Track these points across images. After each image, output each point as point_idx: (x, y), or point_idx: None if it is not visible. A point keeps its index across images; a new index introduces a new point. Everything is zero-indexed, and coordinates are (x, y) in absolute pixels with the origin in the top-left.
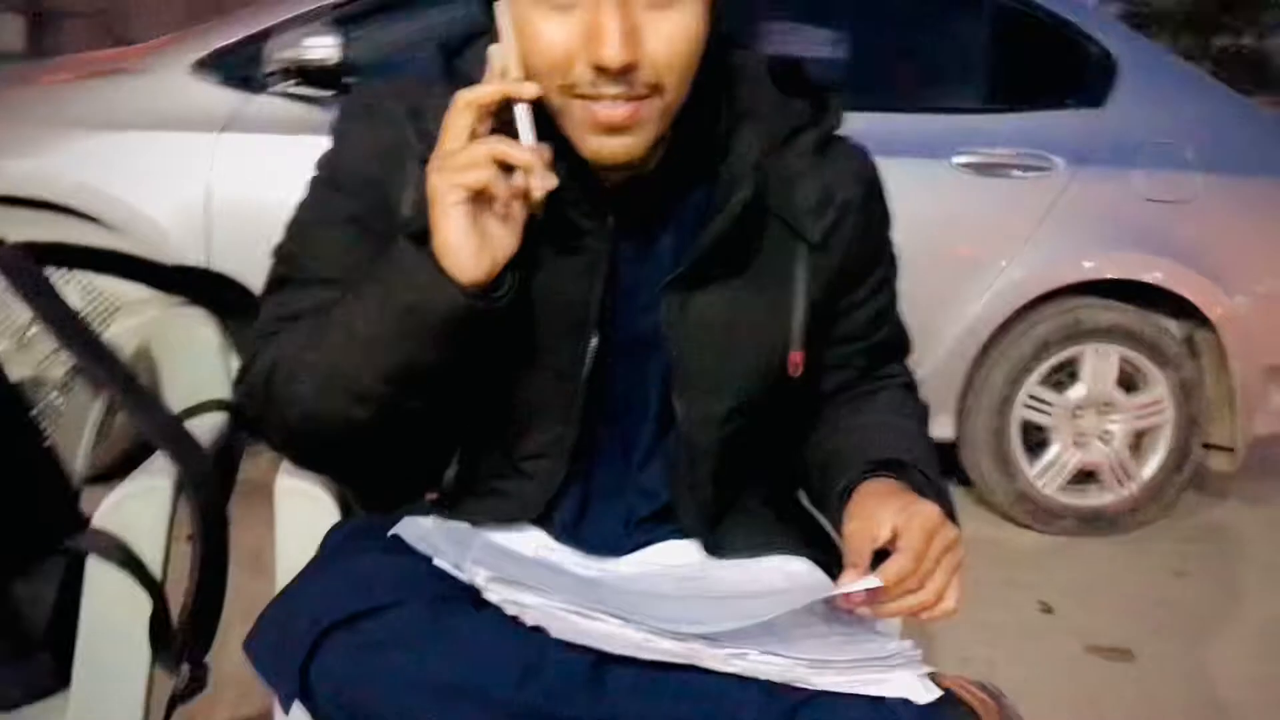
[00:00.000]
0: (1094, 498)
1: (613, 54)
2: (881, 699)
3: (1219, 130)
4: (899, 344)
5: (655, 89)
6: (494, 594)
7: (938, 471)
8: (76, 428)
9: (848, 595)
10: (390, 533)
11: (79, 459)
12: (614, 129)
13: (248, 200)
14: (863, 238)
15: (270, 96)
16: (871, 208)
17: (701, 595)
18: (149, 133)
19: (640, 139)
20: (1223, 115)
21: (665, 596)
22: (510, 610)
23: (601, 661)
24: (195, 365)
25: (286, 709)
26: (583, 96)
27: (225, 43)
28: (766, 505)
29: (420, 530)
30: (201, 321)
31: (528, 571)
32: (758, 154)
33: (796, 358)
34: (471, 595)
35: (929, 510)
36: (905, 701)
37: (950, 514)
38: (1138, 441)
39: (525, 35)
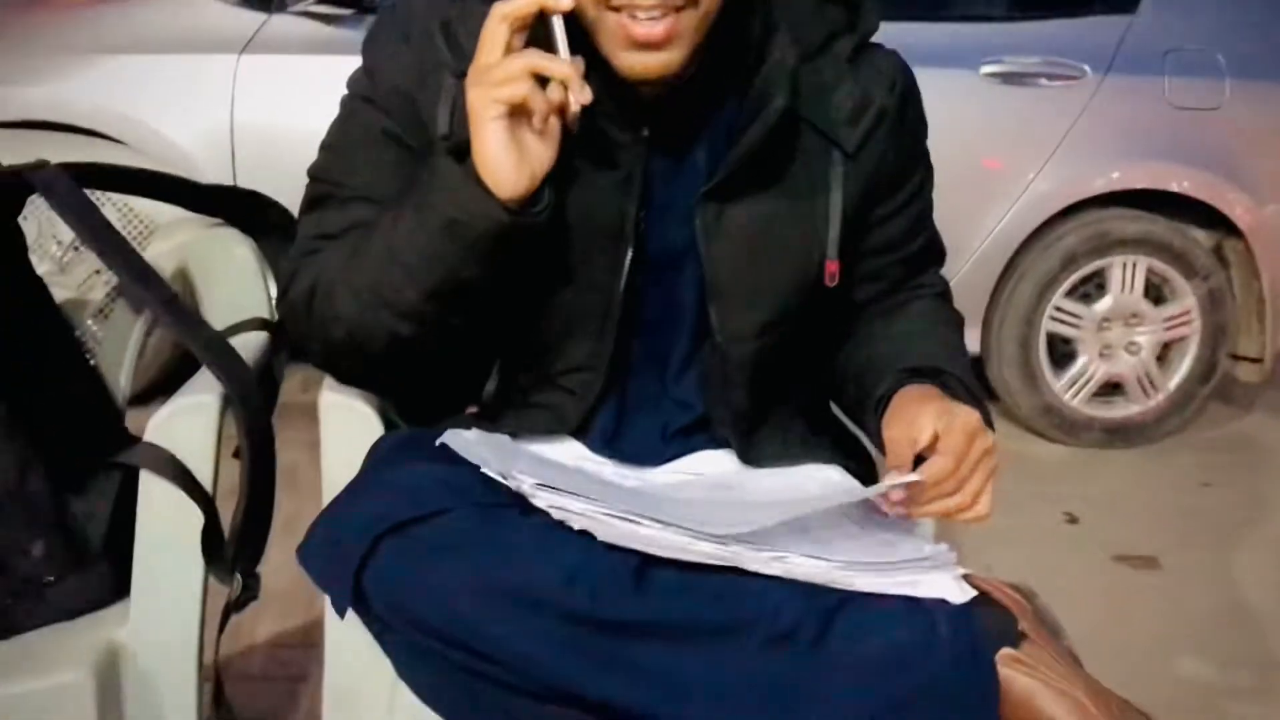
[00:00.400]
0: (1120, 409)
1: None
2: (918, 599)
3: (1249, 35)
4: (934, 253)
5: (692, 2)
6: (541, 500)
7: (973, 379)
8: (119, 348)
9: (887, 494)
10: (437, 443)
11: (122, 378)
12: (651, 45)
13: (270, 121)
14: (898, 146)
15: (291, 16)
16: (907, 115)
17: (738, 501)
18: (169, 55)
19: (676, 54)
20: (1252, 20)
21: (704, 502)
22: (556, 515)
23: (645, 564)
24: (233, 285)
25: (342, 614)
26: (618, 9)
27: None
28: (800, 416)
29: (465, 441)
30: (238, 241)
31: (570, 480)
32: (793, 61)
33: (832, 267)
34: (519, 502)
35: (968, 415)
36: (942, 601)
37: (987, 421)
38: (1164, 353)
39: None
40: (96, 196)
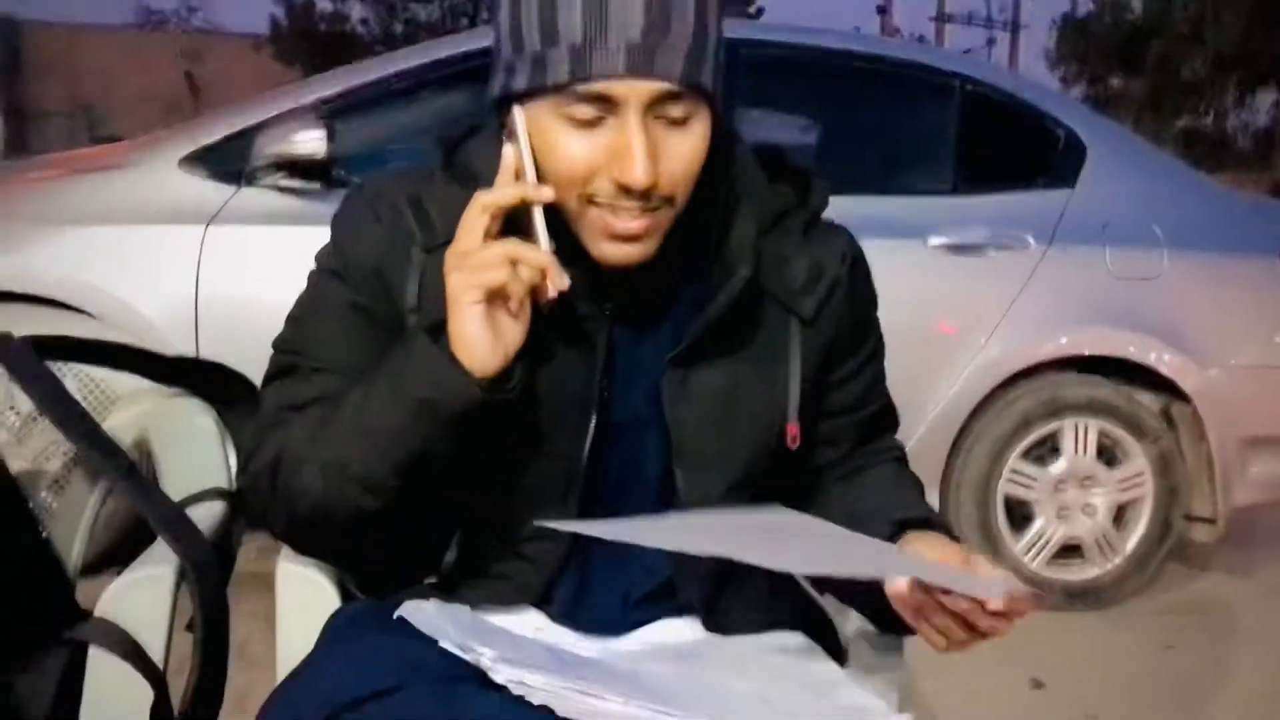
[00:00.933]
0: (1079, 571)
1: (640, 175)
2: None
3: (1182, 208)
4: (889, 418)
5: (669, 201)
6: (500, 674)
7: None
8: (73, 520)
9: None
10: (395, 615)
11: (75, 551)
12: (629, 238)
13: (236, 293)
14: (851, 313)
15: (258, 189)
16: (857, 285)
17: (703, 677)
18: (137, 227)
19: (650, 245)
20: (1185, 194)
21: (670, 677)
22: (517, 690)
23: None
24: (193, 454)
25: None
26: (599, 204)
27: (213, 138)
28: (764, 582)
29: (424, 613)
30: (199, 411)
31: (531, 653)
32: (753, 236)
33: (794, 430)
34: (477, 676)
35: (987, 563)
36: None
37: None
38: (1121, 514)
39: (546, 145)
40: (58, 366)
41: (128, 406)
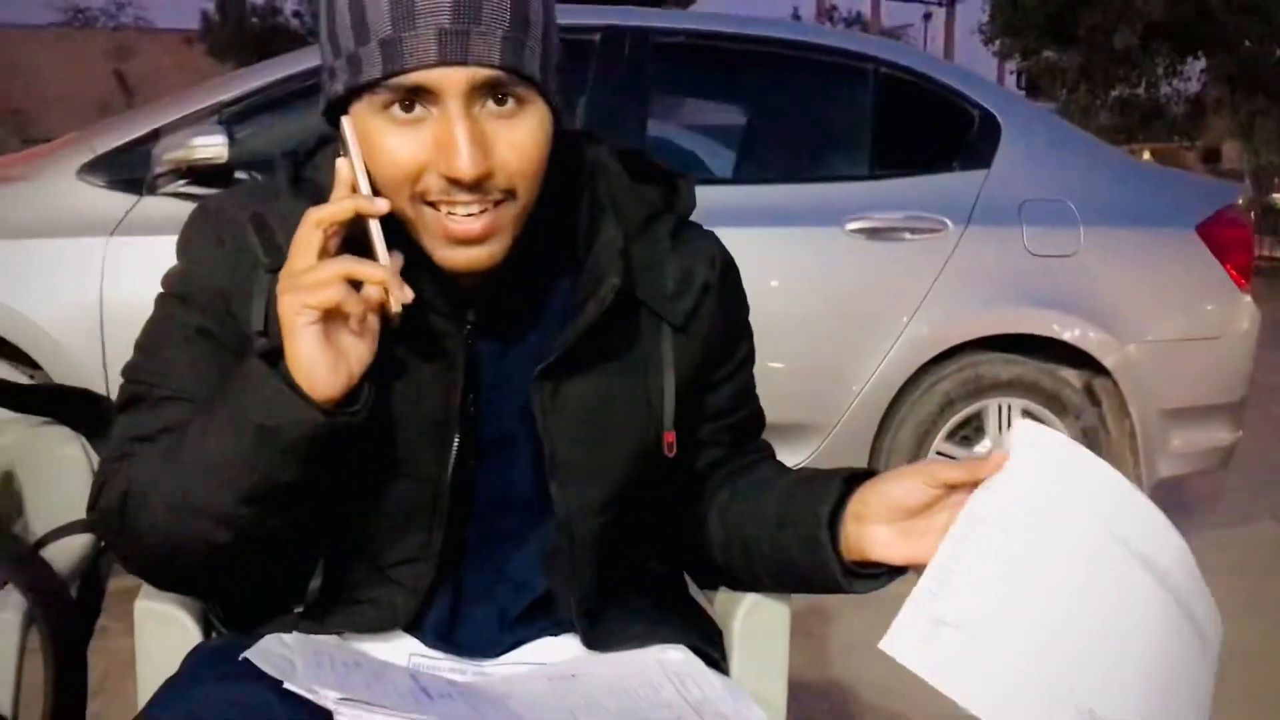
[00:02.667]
0: None
1: (465, 165)
2: None
3: (1098, 184)
4: (760, 421)
5: (509, 194)
6: (343, 717)
7: None
8: None
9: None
10: (241, 656)
11: None
12: (470, 240)
13: (141, 303)
14: (724, 318)
15: (160, 198)
16: (728, 289)
17: (577, 698)
18: (37, 240)
19: (498, 246)
20: (1101, 170)
21: (537, 698)
22: None
23: None
24: (61, 485)
25: None
26: (434, 204)
27: (111, 146)
28: (645, 594)
29: (278, 649)
30: (65, 440)
31: (391, 685)
32: (621, 243)
33: (670, 437)
34: (324, 718)
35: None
36: None
37: None
38: None
39: (372, 148)
40: None
41: None
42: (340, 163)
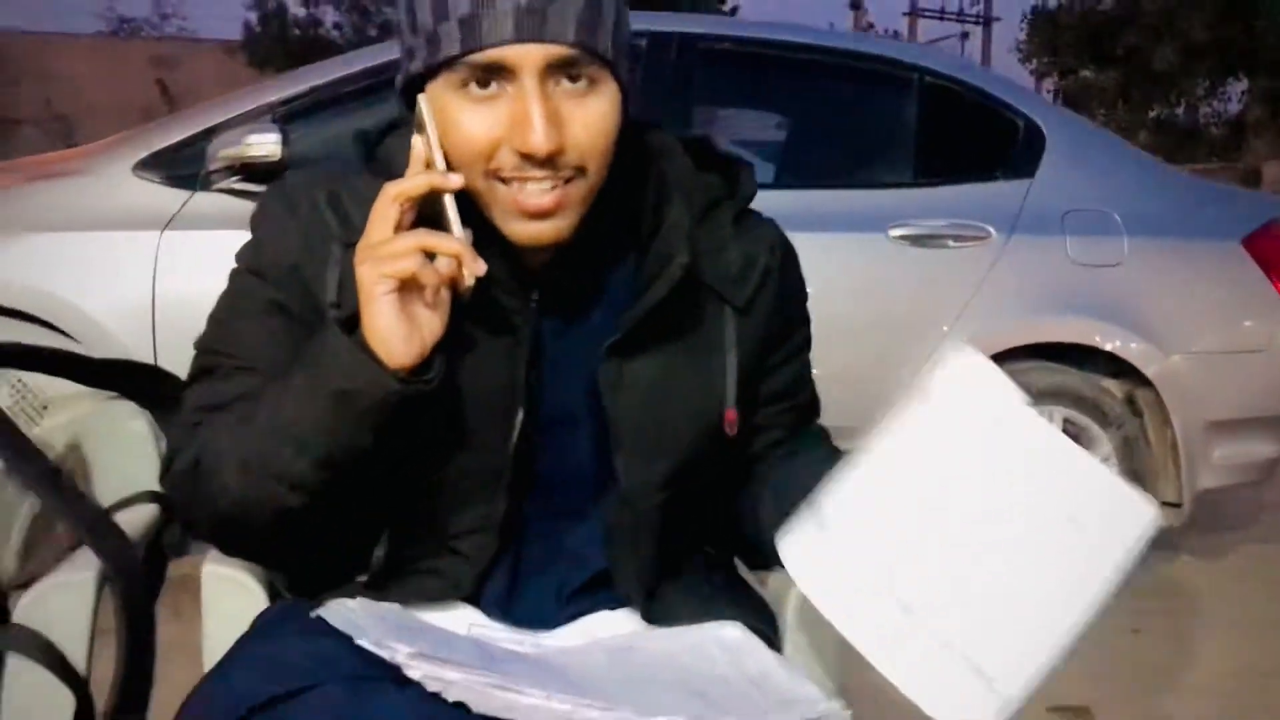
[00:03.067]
0: None
1: (539, 141)
2: None
3: (1142, 195)
4: (816, 406)
5: (580, 171)
6: (415, 670)
7: None
8: (4, 526)
9: None
10: (314, 614)
11: (8, 558)
12: (541, 214)
13: (193, 297)
14: (782, 302)
15: (213, 194)
16: (788, 274)
17: (639, 673)
18: (92, 233)
19: (566, 222)
20: (1145, 181)
21: (601, 670)
22: (432, 686)
23: None
24: (126, 458)
25: None
26: (507, 180)
27: (167, 142)
28: (702, 572)
29: (344, 611)
30: (131, 414)
31: (456, 649)
32: (688, 224)
33: (731, 415)
34: (394, 674)
35: None
36: None
37: None
38: None
39: (448, 125)
40: None
41: (60, 412)
42: (416, 140)
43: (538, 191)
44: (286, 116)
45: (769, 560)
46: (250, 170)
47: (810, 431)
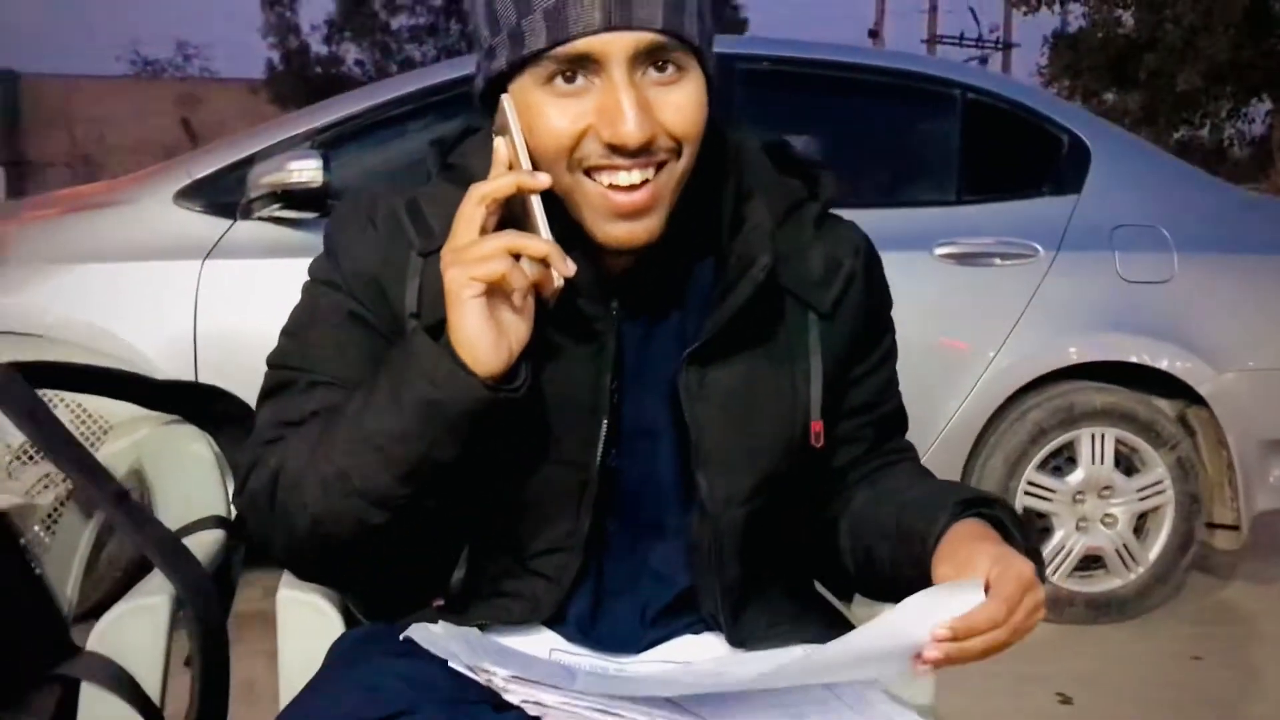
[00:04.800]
0: (1102, 583)
1: (631, 130)
2: None
3: (1191, 209)
4: (902, 419)
5: (673, 154)
6: (514, 695)
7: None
8: (66, 555)
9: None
10: (401, 636)
11: (69, 586)
12: (632, 213)
13: (234, 325)
14: (867, 306)
15: (254, 221)
16: (873, 277)
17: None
18: (134, 263)
19: (655, 221)
20: (1194, 195)
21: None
22: (532, 711)
23: None
24: (189, 482)
25: None
26: (595, 170)
27: (207, 171)
28: (787, 593)
29: (431, 634)
30: (193, 437)
31: (546, 672)
32: (770, 225)
33: (817, 427)
34: (490, 697)
35: (1024, 564)
36: None
37: (1040, 572)
38: (1142, 524)
39: (533, 122)
40: (49, 396)
41: (122, 435)
42: (499, 141)
43: (629, 189)
44: (325, 143)
45: (849, 587)
46: (291, 197)
47: (894, 446)
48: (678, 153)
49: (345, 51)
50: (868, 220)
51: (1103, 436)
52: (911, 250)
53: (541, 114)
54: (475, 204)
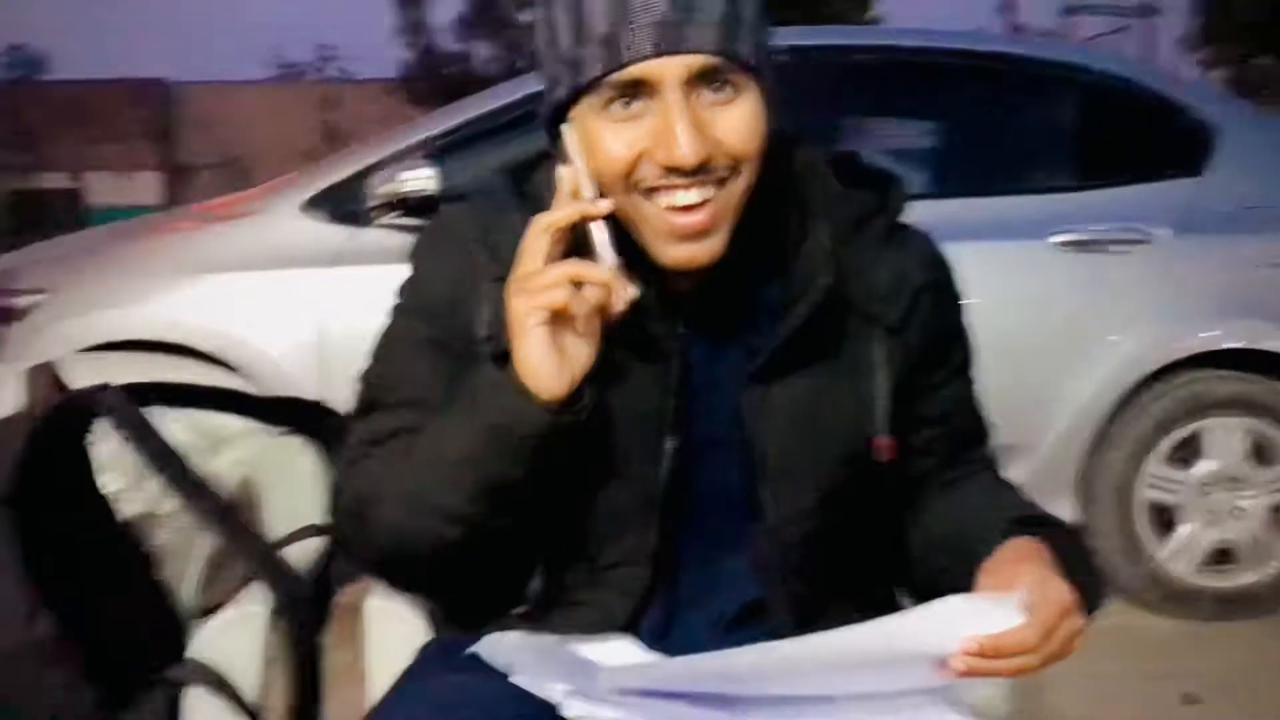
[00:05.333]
0: (1233, 578)
1: (685, 153)
2: None
3: None
4: (980, 431)
5: (733, 171)
6: (572, 710)
7: (1081, 539)
8: (185, 560)
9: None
10: (468, 651)
11: (189, 591)
12: (693, 234)
13: (360, 331)
14: (938, 321)
15: (377, 229)
16: (944, 291)
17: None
18: (264, 272)
19: (717, 241)
20: None
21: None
22: None
23: None
24: (295, 493)
25: None
26: (652, 191)
27: (332, 181)
28: (863, 603)
29: (502, 647)
30: (300, 450)
31: (620, 681)
32: (830, 244)
33: (882, 443)
34: (551, 711)
35: (1065, 590)
36: None
37: (1094, 595)
38: (1276, 516)
39: (593, 147)
40: (169, 412)
41: (232, 449)
42: (561, 170)
43: (688, 209)
44: (443, 150)
45: (925, 597)
46: (409, 204)
47: (970, 458)
48: (736, 170)
49: (475, 49)
50: (981, 209)
51: (1231, 427)
52: (1028, 238)
53: (600, 139)
54: (539, 234)
